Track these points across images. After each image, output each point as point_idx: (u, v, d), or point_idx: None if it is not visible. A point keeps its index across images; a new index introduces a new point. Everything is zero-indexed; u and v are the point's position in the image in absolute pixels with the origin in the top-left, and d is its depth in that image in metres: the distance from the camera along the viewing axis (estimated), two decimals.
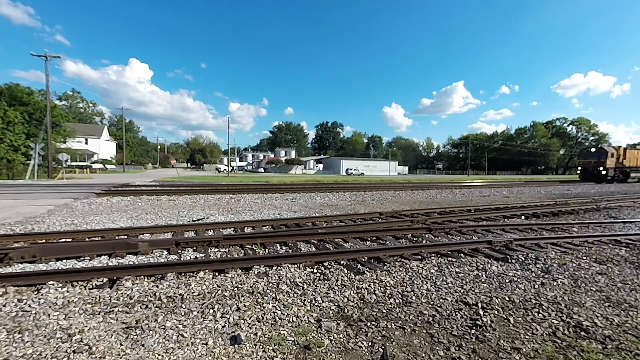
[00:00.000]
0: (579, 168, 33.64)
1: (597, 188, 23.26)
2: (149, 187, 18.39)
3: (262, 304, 3.27)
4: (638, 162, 33.63)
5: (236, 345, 2.53)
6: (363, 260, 4.80)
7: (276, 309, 3.16)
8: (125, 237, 5.99)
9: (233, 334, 2.68)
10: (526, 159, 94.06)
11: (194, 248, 5.33)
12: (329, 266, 4.51)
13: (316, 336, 2.71)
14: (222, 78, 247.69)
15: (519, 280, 4.08)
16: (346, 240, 6.13)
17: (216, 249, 5.34)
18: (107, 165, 54.67)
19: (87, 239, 5.81)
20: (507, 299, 3.49)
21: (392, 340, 2.68)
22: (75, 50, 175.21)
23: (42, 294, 3.36)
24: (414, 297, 3.51)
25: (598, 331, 2.82)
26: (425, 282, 3.98)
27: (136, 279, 3.88)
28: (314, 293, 3.57)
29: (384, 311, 3.20)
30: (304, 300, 3.41)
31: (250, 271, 4.22)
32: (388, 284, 3.88)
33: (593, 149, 33.46)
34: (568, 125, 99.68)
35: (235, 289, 3.62)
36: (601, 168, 30.66)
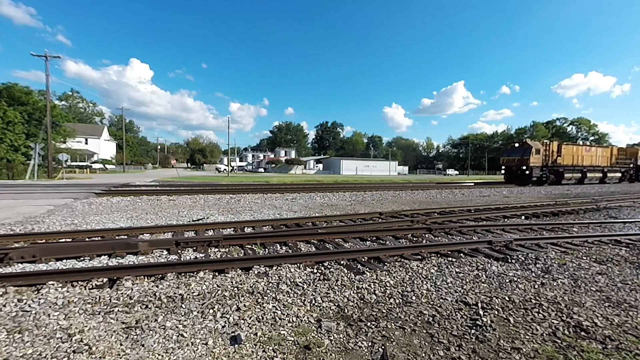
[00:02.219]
0: (503, 167, 27.80)
1: (597, 188, 23.21)
2: (149, 187, 18.38)
3: (262, 304, 3.27)
4: (576, 160, 27.73)
5: (236, 345, 2.53)
6: (363, 260, 4.80)
7: (276, 309, 3.16)
8: (125, 237, 5.99)
9: (233, 334, 2.68)
10: None
11: (194, 248, 5.33)
12: (329, 266, 4.51)
13: (316, 336, 2.71)
14: (223, 78, 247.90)
15: (519, 280, 4.08)
16: (346, 240, 6.13)
17: (216, 249, 5.34)
18: (107, 165, 54.68)
19: (87, 239, 5.81)
20: (507, 299, 3.49)
21: (392, 340, 2.68)
22: (76, 50, 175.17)
23: (42, 294, 3.36)
24: (414, 297, 3.51)
25: (598, 331, 2.82)
26: (425, 282, 3.98)
27: (136, 279, 3.88)
28: (314, 293, 3.57)
29: (384, 311, 3.20)
30: (304, 300, 3.41)
31: (250, 271, 4.22)
32: (388, 284, 3.88)
33: (517, 144, 27.66)
34: (568, 125, 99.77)
35: (235, 289, 3.62)
36: (524, 167, 25.13)
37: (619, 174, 30.98)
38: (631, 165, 32.00)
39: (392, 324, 2.93)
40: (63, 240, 5.77)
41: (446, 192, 18.22)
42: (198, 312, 3.06)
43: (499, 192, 18.14)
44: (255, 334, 2.70)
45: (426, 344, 2.64)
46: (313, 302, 3.37)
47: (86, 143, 56.25)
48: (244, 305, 3.20)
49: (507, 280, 4.06)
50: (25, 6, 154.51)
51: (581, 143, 31.09)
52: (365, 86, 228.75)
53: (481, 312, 3.14)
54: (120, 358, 2.34)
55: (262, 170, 72.87)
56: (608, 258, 5.08)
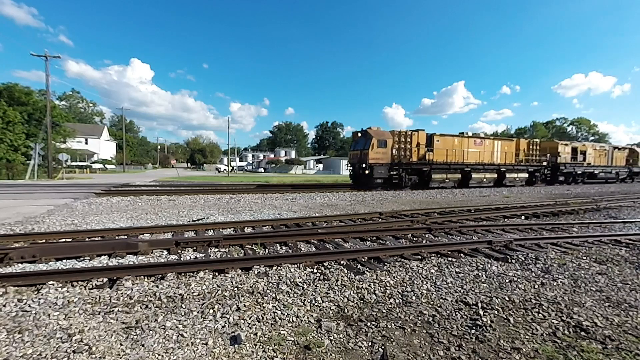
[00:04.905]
0: (348, 164, 21.03)
1: (597, 188, 23.16)
2: (149, 187, 18.39)
3: (262, 304, 3.27)
4: (457, 157, 20.64)
5: (236, 345, 2.53)
6: (363, 260, 4.80)
7: (276, 309, 3.16)
8: (125, 237, 5.99)
9: (233, 334, 2.68)
10: None
11: (194, 248, 5.33)
12: (329, 266, 4.51)
13: (316, 336, 2.71)
14: (224, 78, 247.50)
15: (519, 280, 4.08)
16: (346, 240, 6.13)
17: (216, 249, 5.34)
18: (107, 165, 54.62)
19: (87, 239, 5.81)
20: (507, 299, 3.49)
21: (392, 340, 2.68)
22: (77, 50, 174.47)
23: (42, 294, 3.36)
24: (414, 297, 3.51)
25: (598, 331, 2.82)
26: (425, 282, 3.98)
27: (136, 279, 3.88)
28: (314, 293, 3.57)
29: (384, 311, 3.20)
30: (304, 300, 3.41)
31: (250, 271, 4.22)
32: (388, 284, 3.88)
33: (360, 134, 19.94)
34: (568, 125, 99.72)
35: (235, 289, 3.62)
36: (364, 165, 18.29)
37: (525, 175, 23.96)
38: (544, 164, 25.04)
39: (392, 324, 2.93)
40: (63, 240, 5.77)
41: (446, 192, 18.23)
42: (198, 312, 3.06)
43: (499, 192, 18.13)
44: (255, 334, 2.70)
45: (426, 344, 2.64)
46: (313, 302, 3.37)
47: (86, 143, 56.24)
48: (244, 305, 3.20)
49: (507, 280, 4.06)
50: (27, 6, 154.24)
51: (470, 134, 22.31)
52: (365, 86, 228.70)
53: (481, 312, 3.14)
54: (120, 358, 2.34)
55: (262, 170, 72.83)
56: (608, 258, 5.08)
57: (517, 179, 23.51)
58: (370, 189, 18.24)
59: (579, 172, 26.93)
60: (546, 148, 25.82)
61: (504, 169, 22.67)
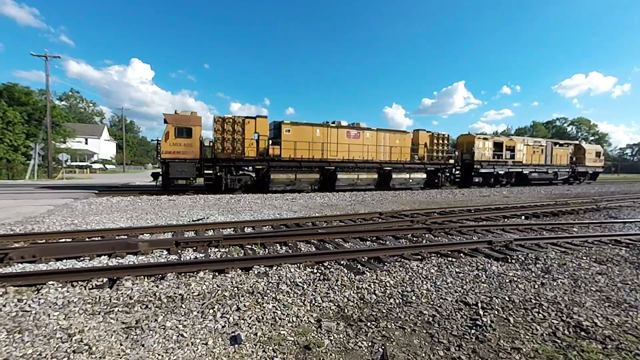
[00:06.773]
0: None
1: (597, 188, 23.16)
2: (149, 187, 18.38)
3: (262, 304, 3.27)
4: (320, 152, 16.41)
5: (236, 345, 2.53)
6: (363, 260, 4.80)
7: (276, 309, 3.16)
8: (125, 237, 5.99)
9: (233, 334, 2.68)
10: None
11: (194, 248, 5.33)
12: (329, 266, 4.51)
13: (316, 336, 2.70)
14: (225, 78, 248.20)
15: (519, 280, 4.08)
16: (346, 240, 6.13)
17: (216, 249, 5.34)
18: (107, 165, 54.64)
19: (87, 239, 5.81)
20: (507, 299, 3.49)
21: (392, 340, 2.68)
22: (78, 50, 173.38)
23: (42, 294, 3.36)
24: (414, 297, 3.51)
25: (598, 331, 2.82)
26: (425, 282, 3.98)
27: (136, 279, 3.88)
28: (314, 293, 3.57)
29: (384, 311, 3.20)
30: (304, 300, 3.41)
31: (250, 271, 4.22)
32: (388, 284, 3.88)
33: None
34: (568, 126, 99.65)
35: (235, 289, 3.62)
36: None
37: (422, 175, 19.42)
38: (452, 162, 20.86)
39: (392, 324, 2.93)
40: (63, 240, 5.77)
41: (446, 192, 18.24)
42: (198, 312, 3.06)
43: (499, 192, 18.12)
44: (255, 334, 2.70)
45: (426, 344, 2.64)
46: (313, 302, 3.37)
47: (86, 143, 56.27)
48: (244, 305, 3.20)
49: (507, 280, 4.06)
50: (28, 7, 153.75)
51: (346, 124, 17.60)
52: (365, 86, 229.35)
53: (481, 312, 3.14)
54: (120, 358, 2.34)
55: None
56: (608, 258, 5.08)
57: (411, 180, 18.92)
58: (175, 193, 13.99)
59: (501, 172, 22.54)
60: (463, 143, 22.26)
61: (388, 168, 18.01)
